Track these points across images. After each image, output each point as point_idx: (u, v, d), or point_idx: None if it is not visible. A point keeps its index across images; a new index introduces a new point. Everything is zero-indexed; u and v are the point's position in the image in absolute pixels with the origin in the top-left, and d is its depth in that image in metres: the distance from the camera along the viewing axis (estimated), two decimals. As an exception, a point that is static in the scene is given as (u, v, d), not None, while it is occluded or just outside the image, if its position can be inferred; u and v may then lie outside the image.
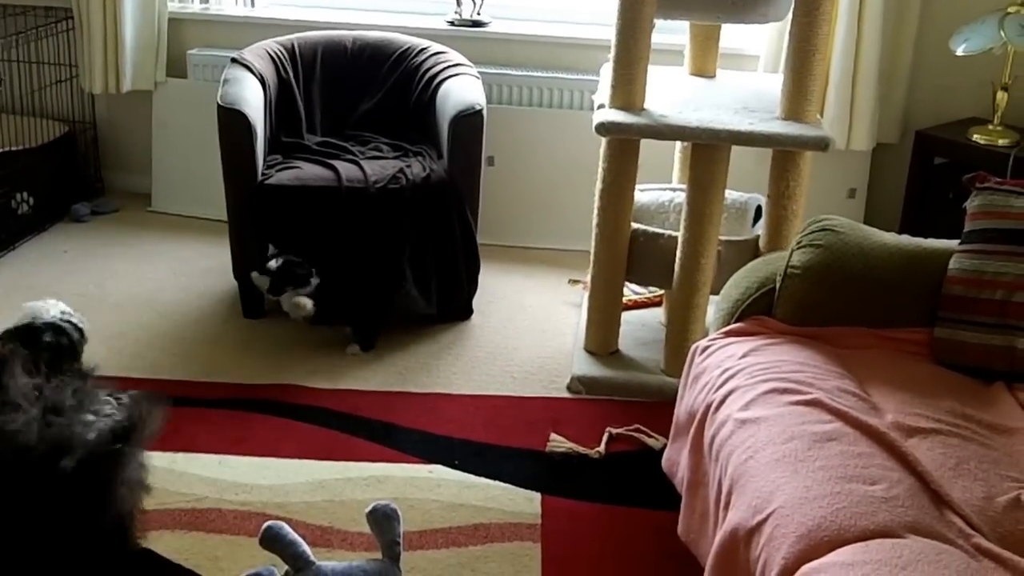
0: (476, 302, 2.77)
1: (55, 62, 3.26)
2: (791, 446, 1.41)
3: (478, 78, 2.83)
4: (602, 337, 2.52)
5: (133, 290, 2.84)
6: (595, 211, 2.43)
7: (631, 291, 2.81)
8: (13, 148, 3.09)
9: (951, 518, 1.31)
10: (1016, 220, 1.73)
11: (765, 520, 1.32)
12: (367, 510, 1.60)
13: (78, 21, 3.16)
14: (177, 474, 2.05)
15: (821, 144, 2.21)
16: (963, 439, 1.48)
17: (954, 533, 1.28)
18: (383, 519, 1.58)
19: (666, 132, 2.25)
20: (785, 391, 1.56)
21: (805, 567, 1.23)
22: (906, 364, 1.72)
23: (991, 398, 1.64)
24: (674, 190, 2.68)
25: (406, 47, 2.97)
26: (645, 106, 2.32)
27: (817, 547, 1.25)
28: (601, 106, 2.35)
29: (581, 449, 2.17)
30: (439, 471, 2.10)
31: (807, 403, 1.52)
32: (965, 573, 1.19)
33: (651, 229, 2.44)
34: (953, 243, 1.83)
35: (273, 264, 2.44)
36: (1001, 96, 2.79)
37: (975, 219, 1.79)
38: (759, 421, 1.50)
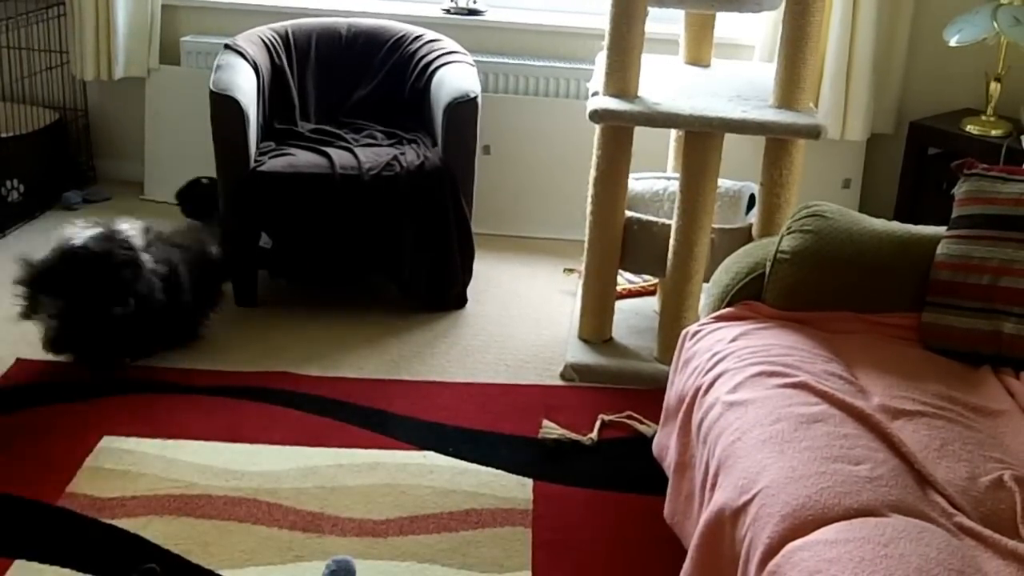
0: (471, 290, 2.78)
1: (46, 48, 3.25)
2: (778, 427, 1.42)
3: (473, 66, 2.83)
4: (596, 325, 2.52)
5: (126, 277, 2.82)
6: (589, 199, 2.43)
7: (625, 280, 2.82)
8: (3, 135, 3.08)
9: (934, 498, 1.33)
10: (1003, 206, 1.74)
11: (751, 500, 1.33)
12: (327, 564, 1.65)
13: (69, 7, 3.15)
14: (168, 460, 2.05)
15: (813, 132, 2.21)
16: (948, 421, 1.49)
17: (937, 512, 1.30)
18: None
19: (659, 119, 2.25)
20: (773, 374, 1.56)
21: (790, 545, 1.24)
22: (894, 348, 1.73)
23: (977, 381, 1.65)
24: (668, 178, 2.68)
25: (401, 34, 2.96)
26: (639, 94, 2.32)
27: (802, 526, 1.26)
28: (595, 93, 2.35)
29: (573, 435, 2.18)
30: (432, 457, 2.11)
31: (794, 386, 1.53)
32: (946, 550, 1.20)
33: (645, 217, 2.45)
34: (942, 229, 1.84)
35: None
36: (994, 87, 2.80)
37: (963, 205, 1.80)
38: (747, 403, 1.51)
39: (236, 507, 1.92)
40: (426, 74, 2.85)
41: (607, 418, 2.25)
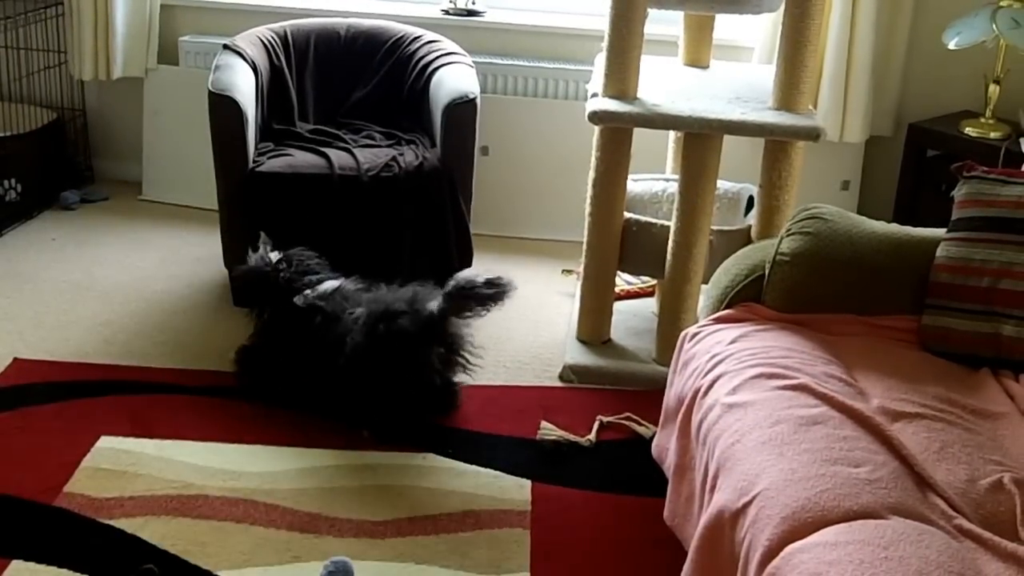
0: (468, 291, 2.77)
1: (44, 48, 3.24)
2: (777, 429, 1.42)
3: (472, 67, 2.83)
4: (594, 326, 2.52)
5: (122, 279, 2.83)
6: (588, 200, 2.43)
7: (624, 281, 2.82)
8: (1, 135, 3.07)
9: (934, 500, 1.33)
10: (1002, 208, 1.75)
11: (750, 502, 1.33)
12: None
13: (68, 6, 3.15)
14: (165, 461, 2.04)
15: (812, 134, 2.21)
16: (948, 424, 1.50)
17: (937, 515, 1.30)
18: None
19: (658, 121, 2.25)
20: (772, 376, 1.56)
21: (789, 547, 1.24)
22: (893, 350, 1.73)
23: (977, 384, 1.65)
24: (667, 180, 2.68)
25: (400, 35, 2.96)
26: (638, 95, 2.32)
27: (801, 528, 1.26)
28: (594, 95, 2.35)
29: (572, 437, 2.18)
30: (431, 459, 2.10)
31: (794, 388, 1.53)
32: (946, 553, 1.20)
33: (644, 218, 2.45)
34: (941, 232, 1.84)
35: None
36: (993, 89, 2.80)
37: (962, 207, 1.80)
38: (746, 405, 1.51)
39: (234, 507, 1.92)
40: (425, 75, 2.85)
41: (606, 419, 2.25)
